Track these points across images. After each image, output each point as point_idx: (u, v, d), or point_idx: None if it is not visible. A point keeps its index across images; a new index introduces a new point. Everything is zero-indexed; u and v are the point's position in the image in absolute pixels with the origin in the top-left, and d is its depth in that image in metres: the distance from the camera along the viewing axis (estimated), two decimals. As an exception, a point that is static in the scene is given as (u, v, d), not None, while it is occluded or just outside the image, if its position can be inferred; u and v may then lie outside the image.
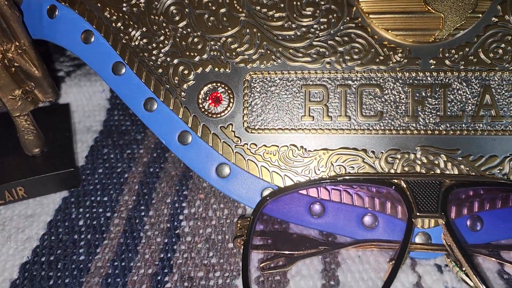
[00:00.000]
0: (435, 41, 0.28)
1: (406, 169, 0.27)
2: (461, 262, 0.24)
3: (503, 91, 0.27)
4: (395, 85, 0.28)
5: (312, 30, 0.28)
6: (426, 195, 0.26)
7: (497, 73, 0.27)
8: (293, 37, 0.29)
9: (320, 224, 0.28)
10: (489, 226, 0.27)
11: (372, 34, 0.28)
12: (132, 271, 0.27)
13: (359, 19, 0.28)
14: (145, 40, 0.30)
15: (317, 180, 0.27)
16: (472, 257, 0.24)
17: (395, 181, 0.26)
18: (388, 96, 0.28)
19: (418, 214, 0.25)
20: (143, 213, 0.31)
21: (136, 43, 0.30)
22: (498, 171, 0.27)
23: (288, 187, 0.27)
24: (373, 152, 0.28)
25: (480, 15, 0.28)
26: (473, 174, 0.27)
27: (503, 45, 0.27)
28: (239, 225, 0.27)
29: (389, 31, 0.28)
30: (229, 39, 0.29)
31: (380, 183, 0.26)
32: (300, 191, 0.28)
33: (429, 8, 0.28)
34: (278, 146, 0.28)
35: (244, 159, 0.28)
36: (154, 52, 0.30)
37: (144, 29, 0.30)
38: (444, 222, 0.25)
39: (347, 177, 0.27)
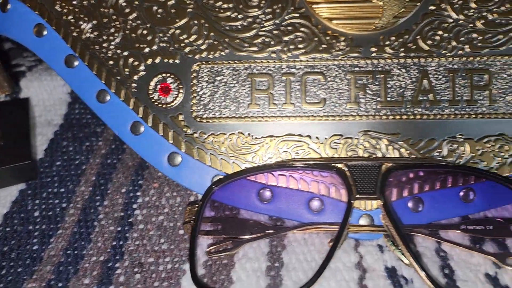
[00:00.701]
0: (375, 29, 0.29)
1: (349, 153, 0.28)
2: (397, 242, 0.25)
3: (440, 77, 0.28)
4: (337, 73, 0.29)
5: (258, 20, 0.29)
6: (366, 178, 0.26)
7: (434, 59, 0.28)
8: (239, 27, 0.29)
9: (269, 209, 0.29)
10: (429, 206, 0.28)
11: (315, 24, 0.29)
12: (84, 259, 0.28)
13: (303, 9, 0.29)
14: (96, 33, 0.30)
15: (262, 166, 0.28)
16: (406, 237, 0.25)
17: (337, 165, 0.27)
18: (331, 83, 0.29)
19: (357, 196, 0.26)
20: (98, 203, 0.31)
21: (87, 35, 0.30)
22: (437, 154, 0.28)
23: (234, 174, 0.28)
24: (317, 138, 0.28)
25: (418, 4, 0.28)
26: (413, 157, 0.28)
27: (440, 32, 0.28)
28: (188, 211, 0.28)
29: (332, 21, 0.29)
30: (178, 31, 0.30)
31: (322, 168, 0.27)
32: (248, 178, 0.29)
33: (369, -3, 0.28)
34: (226, 134, 0.29)
35: (194, 147, 0.29)
36: (105, 44, 0.30)
37: (94, 21, 0.30)
38: (382, 204, 0.26)
39: (291, 163, 0.28)
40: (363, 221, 0.28)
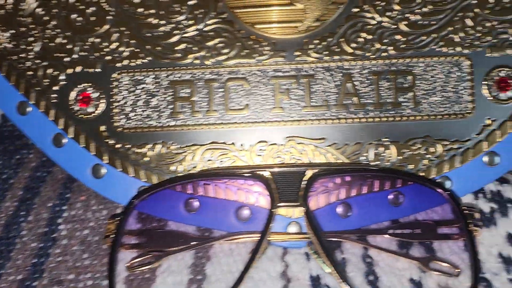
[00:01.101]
0: (299, 33, 0.28)
1: (275, 160, 0.28)
2: (318, 250, 0.25)
3: (364, 80, 0.28)
4: (261, 78, 0.28)
5: (180, 26, 0.29)
6: (289, 185, 0.26)
7: (358, 62, 0.28)
8: (161, 34, 0.29)
9: (197, 219, 0.28)
10: (358, 212, 0.28)
11: (238, 29, 0.28)
12: (1, 278, 0.26)
13: (226, 14, 0.28)
14: (13, 43, 0.29)
15: (186, 176, 0.28)
16: (326, 244, 0.25)
17: (261, 172, 0.26)
18: (255, 89, 0.28)
19: (279, 204, 0.25)
20: (22, 219, 0.30)
21: (4, 45, 0.29)
22: (364, 158, 0.28)
23: (156, 185, 0.27)
24: (242, 145, 0.28)
25: (341, 6, 0.28)
26: (339, 162, 0.27)
27: (363, 35, 0.28)
28: (109, 225, 0.27)
29: (255, 25, 0.28)
30: (98, 39, 0.29)
31: (246, 176, 0.27)
32: (175, 188, 0.28)
33: (291, 0, 0.28)
34: (149, 144, 0.28)
35: (117, 159, 0.28)
36: (23, 54, 0.29)
37: (12, 31, 0.29)
38: (304, 211, 0.25)
39: (214, 172, 0.27)
40: (291, 229, 0.28)
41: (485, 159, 0.28)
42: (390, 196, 0.28)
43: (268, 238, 0.26)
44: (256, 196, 0.27)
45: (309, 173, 0.26)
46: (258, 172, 0.26)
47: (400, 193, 0.28)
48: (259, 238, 0.25)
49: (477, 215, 0.26)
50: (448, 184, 0.28)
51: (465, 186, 0.28)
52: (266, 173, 0.26)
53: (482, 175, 0.28)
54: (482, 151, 0.28)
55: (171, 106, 0.28)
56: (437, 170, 0.28)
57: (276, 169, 0.26)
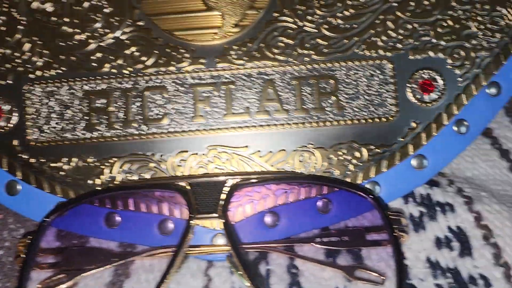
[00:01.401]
0: (218, 39, 0.27)
1: (196, 170, 0.27)
2: (236, 263, 0.24)
3: (286, 85, 0.27)
4: (180, 87, 0.27)
5: (96, 35, 0.27)
6: (209, 196, 0.25)
7: (280, 67, 0.27)
8: (76, 43, 0.27)
9: (118, 235, 0.27)
10: (285, 221, 0.27)
11: (156, 36, 0.27)
12: None
13: (143, 21, 0.28)
14: None
15: (103, 189, 0.26)
16: (243, 257, 0.24)
17: (179, 184, 0.25)
18: (174, 98, 0.27)
19: (197, 216, 0.24)
20: None
21: None
22: (288, 165, 0.27)
23: (73, 200, 0.26)
24: (161, 155, 0.27)
25: (261, 11, 0.27)
26: (262, 170, 0.27)
27: (284, 40, 0.27)
28: (21, 244, 0.25)
29: (173, 32, 0.27)
30: (8, 50, 0.27)
31: (164, 187, 0.26)
32: (91, 202, 0.27)
33: (207, 5, 0.27)
34: (65, 158, 0.27)
35: (32, 174, 0.27)
36: None
37: None
38: (223, 222, 0.24)
39: (132, 184, 0.26)
40: (218, 241, 0.27)
41: (414, 162, 0.27)
42: (318, 204, 0.27)
43: (186, 252, 0.25)
44: (179, 208, 0.26)
45: (230, 182, 0.25)
46: (176, 183, 0.25)
47: (328, 200, 0.27)
48: (174, 252, 0.24)
49: (403, 221, 0.26)
50: (376, 189, 0.27)
51: (394, 191, 0.28)
52: (185, 184, 0.25)
53: (410, 179, 0.28)
54: (408, 155, 0.27)
55: (87, 118, 0.27)
56: (363, 175, 0.27)
57: (195, 180, 0.25)
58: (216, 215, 0.25)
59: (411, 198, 0.28)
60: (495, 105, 0.28)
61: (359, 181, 0.27)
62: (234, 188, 0.25)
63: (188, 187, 0.25)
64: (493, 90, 0.28)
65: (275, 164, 0.27)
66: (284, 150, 0.27)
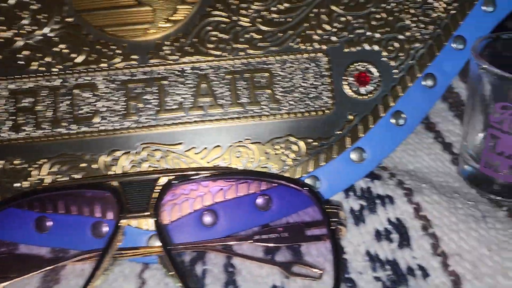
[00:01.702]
0: (150, 35, 0.27)
1: (128, 169, 0.26)
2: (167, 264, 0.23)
3: (220, 80, 0.27)
4: (112, 84, 0.26)
5: (23, 32, 0.27)
6: (140, 195, 0.24)
7: (214, 62, 0.27)
8: (2, 41, 0.26)
9: (49, 240, 0.26)
10: (224, 219, 0.26)
11: (87, 33, 0.27)
12: None
13: (72, 18, 0.27)
14: None
15: (30, 192, 0.25)
16: (175, 257, 0.23)
17: (110, 183, 0.24)
18: (105, 95, 0.26)
19: (127, 215, 0.24)
20: None
21: None
22: (224, 161, 0.26)
23: (-2, 204, 0.25)
24: (92, 155, 0.26)
25: (193, 5, 0.27)
26: (197, 167, 0.26)
27: (218, 34, 0.27)
28: None
29: (105, 28, 0.27)
30: None
31: (93, 187, 0.25)
32: (18, 206, 0.25)
33: (138, 0, 0.27)
34: (-9, 160, 0.26)
35: (-45, 178, 0.26)
36: None
37: None
38: (155, 221, 0.23)
39: (60, 185, 0.25)
40: (154, 242, 0.26)
41: (353, 155, 0.27)
42: (258, 200, 0.27)
43: (118, 254, 0.24)
44: (112, 209, 0.25)
45: (162, 180, 0.24)
46: (106, 183, 0.24)
47: (267, 196, 0.27)
48: (100, 254, 0.23)
49: (342, 214, 0.25)
50: (317, 184, 0.27)
51: (334, 185, 0.27)
52: (115, 183, 0.24)
53: (350, 172, 0.27)
54: (346, 148, 0.27)
55: (13, 118, 0.26)
56: (302, 170, 0.27)
57: (126, 178, 0.25)
58: (148, 213, 0.24)
59: (352, 191, 0.28)
60: (432, 96, 0.28)
61: (298, 176, 0.27)
62: (167, 186, 0.24)
63: (119, 186, 0.24)
64: (429, 82, 0.28)
65: (211, 160, 0.26)
66: (219, 146, 0.26)
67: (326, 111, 0.27)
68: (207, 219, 0.26)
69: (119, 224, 0.23)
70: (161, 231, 0.23)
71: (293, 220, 0.27)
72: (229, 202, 0.26)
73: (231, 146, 0.26)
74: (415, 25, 0.28)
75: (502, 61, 0.28)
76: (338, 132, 0.27)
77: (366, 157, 0.27)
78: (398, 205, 0.27)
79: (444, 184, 0.29)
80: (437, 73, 0.28)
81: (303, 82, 0.27)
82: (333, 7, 0.28)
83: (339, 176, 0.27)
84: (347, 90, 0.27)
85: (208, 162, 0.26)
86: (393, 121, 0.27)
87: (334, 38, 0.27)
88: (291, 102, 0.27)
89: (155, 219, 0.24)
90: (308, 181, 0.27)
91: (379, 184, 0.28)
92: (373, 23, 0.28)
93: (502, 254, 0.24)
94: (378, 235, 0.26)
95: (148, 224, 0.26)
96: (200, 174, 0.25)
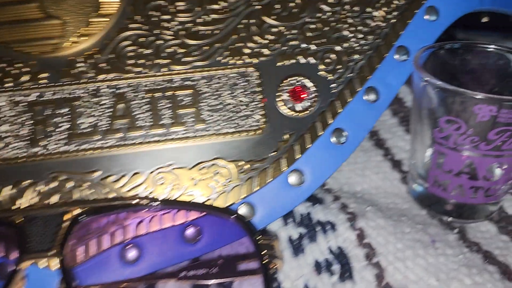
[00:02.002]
0: (61, 51, 0.24)
1: (35, 202, 0.23)
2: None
3: (139, 99, 0.24)
4: (16, 106, 0.23)
5: None
6: (45, 232, 0.21)
7: (132, 79, 0.24)
8: None
9: None
10: (147, 254, 0.23)
11: (-11, 50, 0.24)
12: None
13: (-28, 34, 0.24)
14: None
15: None
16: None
17: (12, 218, 0.21)
18: (9, 119, 0.23)
19: (26, 256, 0.21)
20: None
21: None
22: (144, 190, 0.23)
23: None
24: (-5, 187, 0.23)
25: (108, 18, 0.24)
26: (113, 197, 0.23)
27: (138, 49, 0.24)
28: None
29: (9, 44, 0.24)
30: None
31: (-9, 224, 0.21)
32: None
33: (46, 13, 0.24)
34: None
35: None
36: None
37: None
38: (59, 261, 0.21)
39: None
40: (67, 284, 0.23)
41: (291, 179, 0.25)
42: (186, 232, 0.24)
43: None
44: (14, 248, 0.22)
45: (71, 214, 0.22)
46: (8, 218, 0.21)
47: (196, 227, 0.24)
48: (-8, 301, 0.20)
49: (276, 245, 0.23)
50: (250, 212, 0.24)
51: (271, 212, 0.25)
52: (16, 218, 0.21)
53: (288, 197, 0.25)
54: (282, 170, 0.24)
55: None
56: (233, 196, 0.24)
57: (30, 213, 0.22)
58: (52, 252, 0.21)
59: (291, 218, 0.26)
60: (375, 111, 0.26)
61: (229, 203, 0.24)
62: (75, 220, 0.22)
63: (22, 222, 0.21)
64: (371, 96, 0.26)
65: (130, 189, 0.23)
66: (139, 172, 0.24)
67: (258, 131, 0.24)
68: (129, 254, 0.23)
69: (17, 267, 0.20)
70: (67, 272, 0.21)
71: (226, 252, 0.25)
72: (153, 235, 0.24)
73: (152, 172, 0.24)
74: (353, 35, 0.26)
75: (447, 72, 0.26)
76: (273, 154, 0.24)
77: (305, 180, 0.25)
78: (340, 232, 0.25)
79: (392, 206, 0.27)
80: (380, 86, 0.26)
81: (232, 99, 0.24)
82: (264, 18, 0.25)
83: (276, 202, 0.25)
84: (281, 107, 0.25)
85: (125, 191, 0.23)
86: (333, 139, 0.25)
87: (265, 51, 0.25)
88: (219, 122, 0.24)
89: (60, 258, 0.21)
90: (242, 208, 0.24)
91: (321, 209, 0.26)
92: (308, 34, 0.25)
93: (451, 284, 0.22)
94: (318, 267, 0.24)
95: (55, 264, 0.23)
96: (115, 205, 0.23)
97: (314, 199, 0.27)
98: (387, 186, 0.29)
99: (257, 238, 0.22)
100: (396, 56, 0.27)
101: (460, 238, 0.25)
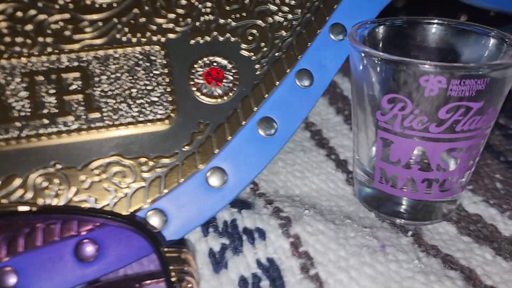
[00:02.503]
0: None
1: None
2: None
3: (15, 85, 0.19)
4: None
5: None
6: None
7: (7, 61, 0.19)
8: None
9: None
10: (26, 278, 0.18)
11: None
12: None
13: None
14: None
15: None
16: None
17: None
18: None
19: None
20: None
21: None
22: (21, 196, 0.19)
23: None
24: None
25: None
26: (-23, 206, 0.18)
27: (16, 25, 0.20)
28: None
29: None
30: None
31: None
32: None
33: None
34: None
35: None
36: None
37: None
38: None
39: None
40: None
41: (210, 179, 0.20)
42: (79, 248, 0.19)
43: None
44: None
45: None
46: None
47: (92, 241, 0.19)
48: None
49: (189, 259, 0.18)
50: (159, 220, 0.20)
51: (186, 220, 0.20)
52: None
53: (207, 201, 0.20)
54: (198, 168, 0.20)
55: None
56: (137, 201, 0.19)
57: None
58: None
59: (212, 227, 0.21)
60: (309, 98, 0.22)
61: (133, 209, 0.19)
62: None
63: None
64: (305, 80, 0.22)
65: (5, 195, 0.18)
66: (16, 175, 0.19)
67: (166, 121, 0.20)
68: (6, 280, 0.18)
69: None
70: None
71: (132, 271, 0.20)
72: (34, 254, 0.18)
73: (32, 174, 0.19)
74: (277, 8, 0.22)
75: (388, 51, 0.22)
76: (185, 148, 0.20)
77: (228, 180, 0.20)
78: (271, 241, 0.20)
79: (335, 209, 0.23)
80: (314, 69, 0.22)
81: (132, 83, 0.20)
82: (173, -12, 0.21)
83: (192, 207, 0.20)
84: (194, 92, 0.20)
85: (2, 198, 0.18)
86: (260, 130, 0.21)
87: (175, 27, 0.21)
88: (117, 111, 0.20)
89: None
90: (151, 216, 0.20)
91: (249, 214, 0.21)
92: (226, 8, 0.22)
93: (403, 295, 0.18)
94: (244, 284, 0.19)
95: None
96: (-23, 216, 0.17)
97: (241, 204, 0.22)
98: (330, 188, 0.25)
99: (165, 251, 0.18)
100: (332, 36, 0.23)
101: (415, 242, 0.21)
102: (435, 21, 0.23)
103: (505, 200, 0.24)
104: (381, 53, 0.20)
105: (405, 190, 0.21)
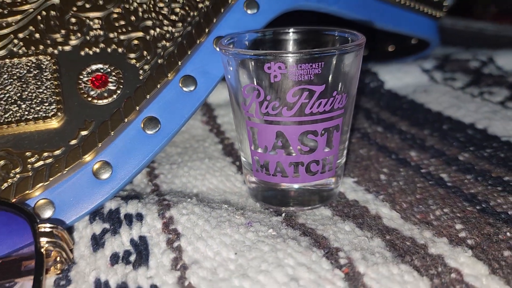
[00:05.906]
0: None
1: None
2: None
3: None
4: None
5: None
6: None
7: None
8: None
9: None
10: None
11: None
12: None
13: None
14: None
15: None
16: None
17: None
18: None
19: None
20: None
21: None
22: None
23: None
24: None
25: None
26: None
27: None
28: None
29: None
30: None
31: None
32: None
33: None
34: None
35: None
36: None
37: None
38: None
39: None
40: None
41: (97, 172, 0.23)
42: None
43: None
44: None
45: None
46: None
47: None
48: None
49: (64, 235, 0.20)
50: (47, 208, 0.22)
51: (74, 208, 0.22)
52: None
53: (92, 192, 0.23)
54: (83, 161, 0.22)
55: None
56: (21, 189, 0.22)
57: None
58: None
59: (99, 215, 0.23)
60: (192, 101, 0.25)
61: (18, 197, 0.22)
62: None
63: None
64: (188, 85, 0.25)
65: None
66: None
67: (53, 119, 0.23)
68: None
69: None
70: None
71: (11, 252, 0.22)
72: None
73: None
74: (158, 23, 0.25)
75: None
76: (72, 142, 0.22)
77: (114, 173, 0.23)
78: (147, 222, 0.22)
79: (222, 200, 0.25)
80: (197, 75, 0.25)
81: (23, 88, 0.23)
82: (61, 6, 0.25)
83: (79, 197, 0.22)
84: (81, 94, 0.23)
85: None
86: (145, 129, 0.24)
87: (66, 41, 0.24)
88: (7, 111, 0.22)
89: None
90: (41, 206, 0.22)
91: (133, 203, 0.23)
92: (115, 23, 0.25)
93: (249, 254, 0.19)
94: (115, 259, 0.21)
95: None
96: None
97: (130, 196, 0.24)
98: (227, 187, 0.27)
99: (38, 227, 0.20)
100: (216, 46, 0.26)
101: (284, 221, 0.23)
102: (291, 29, 0.26)
103: (384, 187, 0.25)
104: (234, 49, 0.22)
105: (277, 176, 0.23)
